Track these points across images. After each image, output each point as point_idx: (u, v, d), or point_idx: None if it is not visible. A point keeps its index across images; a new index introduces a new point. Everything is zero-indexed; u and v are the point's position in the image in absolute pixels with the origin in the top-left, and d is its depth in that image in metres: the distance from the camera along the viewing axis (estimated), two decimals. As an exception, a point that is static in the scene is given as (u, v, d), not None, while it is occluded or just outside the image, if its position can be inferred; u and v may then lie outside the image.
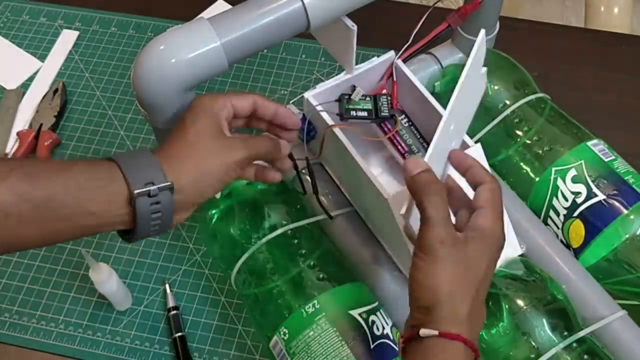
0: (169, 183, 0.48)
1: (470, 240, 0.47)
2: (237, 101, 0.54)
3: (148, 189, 0.47)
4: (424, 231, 0.46)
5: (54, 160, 0.48)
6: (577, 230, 0.66)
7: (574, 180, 0.66)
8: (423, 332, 0.45)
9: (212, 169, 0.50)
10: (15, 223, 0.45)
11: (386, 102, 0.64)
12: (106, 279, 0.68)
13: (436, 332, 0.44)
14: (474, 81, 0.57)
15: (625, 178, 0.66)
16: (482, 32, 0.55)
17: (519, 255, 0.64)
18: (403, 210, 0.49)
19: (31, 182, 0.45)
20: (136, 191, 0.47)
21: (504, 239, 0.48)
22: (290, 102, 0.82)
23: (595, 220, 0.65)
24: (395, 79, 0.66)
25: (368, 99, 0.64)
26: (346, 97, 0.64)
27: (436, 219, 0.46)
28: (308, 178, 0.66)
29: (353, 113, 0.63)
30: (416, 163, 0.48)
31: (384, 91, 0.66)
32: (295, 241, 0.65)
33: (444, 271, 0.45)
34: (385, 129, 0.65)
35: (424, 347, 0.45)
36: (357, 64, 0.64)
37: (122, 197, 0.47)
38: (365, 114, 0.63)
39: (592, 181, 0.66)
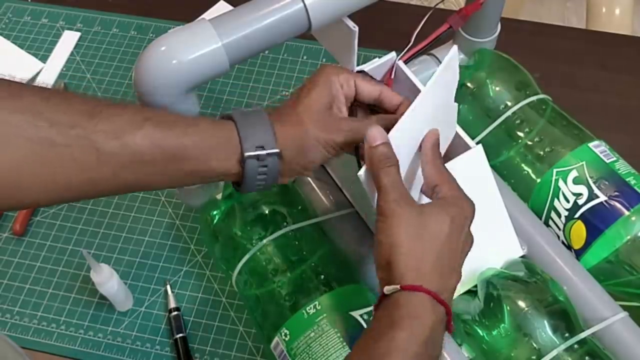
0: (277, 150, 0.51)
1: (427, 205, 0.49)
2: (364, 85, 0.56)
3: (258, 153, 0.51)
4: (379, 198, 0.49)
5: (181, 114, 0.52)
6: (579, 231, 0.66)
7: (576, 181, 0.66)
8: (387, 289, 0.47)
9: (313, 144, 0.53)
10: (146, 168, 0.48)
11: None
12: (107, 280, 0.68)
13: (398, 286, 0.46)
14: (444, 88, 0.57)
15: (627, 179, 0.66)
16: (454, 48, 0.56)
17: (520, 257, 0.64)
18: (365, 180, 0.52)
19: (164, 131, 0.49)
20: (247, 153, 0.50)
21: (470, 207, 0.50)
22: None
23: (597, 221, 0.64)
24: (392, 77, 0.66)
25: None
26: None
27: (389, 184, 0.48)
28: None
29: None
30: (378, 134, 0.50)
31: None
32: (297, 242, 0.65)
33: (398, 228, 0.47)
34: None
35: (390, 304, 0.46)
36: (358, 64, 0.64)
37: (236, 156, 0.51)
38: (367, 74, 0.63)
39: (594, 182, 0.66)
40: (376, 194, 0.50)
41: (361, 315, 0.59)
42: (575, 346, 0.57)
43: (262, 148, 0.51)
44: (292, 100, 0.55)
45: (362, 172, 0.52)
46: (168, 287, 0.73)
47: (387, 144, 0.50)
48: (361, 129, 0.54)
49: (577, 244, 0.66)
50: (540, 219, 0.68)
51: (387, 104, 0.57)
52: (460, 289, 0.62)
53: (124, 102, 0.51)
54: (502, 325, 0.58)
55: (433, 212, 0.48)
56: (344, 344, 0.57)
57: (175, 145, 0.49)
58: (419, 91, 0.64)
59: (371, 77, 0.60)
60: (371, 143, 0.50)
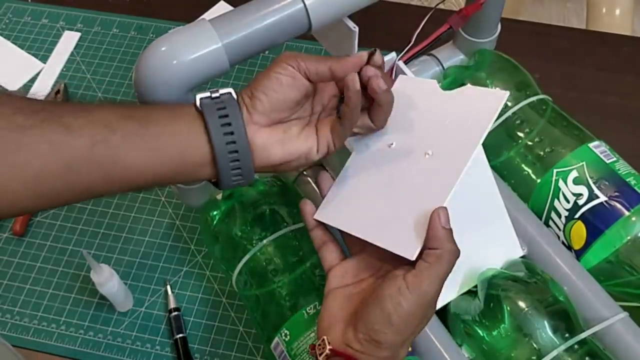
0: (229, 89, 0.50)
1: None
2: (314, 65, 0.51)
3: (208, 92, 0.49)
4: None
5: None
6: (579, 231, 0.66)
7: (576, 181, 0.66)
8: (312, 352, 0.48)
9: (280, 73, 0.50)
10: (120, 139, 0.46)
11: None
12: (107, 280, 0.68)
13: (327, 349, 0.47)
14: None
15: (627, 180, 0.66)
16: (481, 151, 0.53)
17: (521, 257, 0.64)
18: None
19: (130, 106, 0.49)
20: (199, 95, 0.49)
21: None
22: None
23: (597, 221, 0.64)
24: (392, 77, 0.65)
25: None
26: None
27: (435, 281, 0.47)
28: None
29: None
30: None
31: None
32: (297, 242, 0.65)
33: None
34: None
35: None
36: (358, 65, 0.64)
37: (198, 118, 0.49)
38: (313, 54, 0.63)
39: (594, 183, 0.66)
40: None
41: (361, 316, 0.59)
42: (576, 346, 0.57)
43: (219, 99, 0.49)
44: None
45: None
46: (168, 287, 0.73)
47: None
48: (341, 63, 0.50)
49: (577, 244, 0.66)
50: (541, 219, 0.68)
51: (341, 74, 0.51)
52: (461, 289, 0.62)
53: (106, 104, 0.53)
54: (502, 325, 0.58)
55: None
56: (344, 344, 0.57)
57: (143, 114, 0.48)
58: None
59: (315, 55, 0.55)
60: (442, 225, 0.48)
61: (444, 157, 0.50)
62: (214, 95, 0.49)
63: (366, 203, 0.52)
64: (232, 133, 0.48)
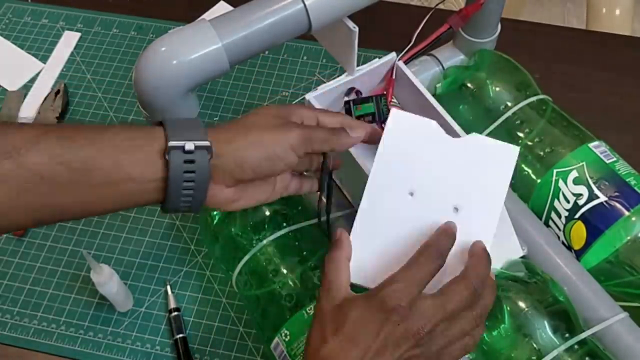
0: (206, 142, 0.45)
1: None
2: (325, 117, 0.53)
3: (183, 142, 0.45)
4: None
5: (90, 125, 0.47)
6: (579, 231, 0.66)
7: (576, 181, 0.66)
8: None
9: (259, 140, 0.47)
10: (50, 188, 0.43)
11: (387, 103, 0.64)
12: (107, 281, 0.68)
13: None
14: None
15: (627, 180, 0.66)
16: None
17: (521, 257, 0.64)
18: None
19: (65, 144, 0.43)
20: (170, 143, 0.44)
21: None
22: (292, 103, 0.83)
23: (597, 222, 0.64)
24: (393, 77, 0.66)
25: (371, 102, 0.64)
26: (351, 103, 0.64)
27: (415, 275, 0.46)
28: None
29: (362, 120, 0.62)
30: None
31: (384, 93, 0.66)
32: (297, 243, 0.65)
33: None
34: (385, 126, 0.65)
35: None
36: (358, 65, 0.64)
37: (159, 152, 0.45)
38: (370, 118, 0.64)
39: (594, 183, 0.66)
40: None
41: (361, 316, 0.59)
42: (576, 347, 0.57)
43: (190, 140, 0.45)
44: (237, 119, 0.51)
45: None
46: (168, 287, 0.73)
47: (451, 241, 0.48)
48: (313, 128, 0.50)
49: (577, 244, 0.66)
50: (541, 219, 0.68)
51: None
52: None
53: (22, 122, 0.46)
54: (502, 325, 0.58)
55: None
56: (344, 344, 0.57)
57: (78, 157, 0.43)
58: (419, 92, 0.64)
59: (328, 110, 0.55)
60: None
61: (471, 213, 0.50)
62: (187, 147, 0.45)
63: (401, 259, 0.49)
64: (192, 162, 0.46)
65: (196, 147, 0.45)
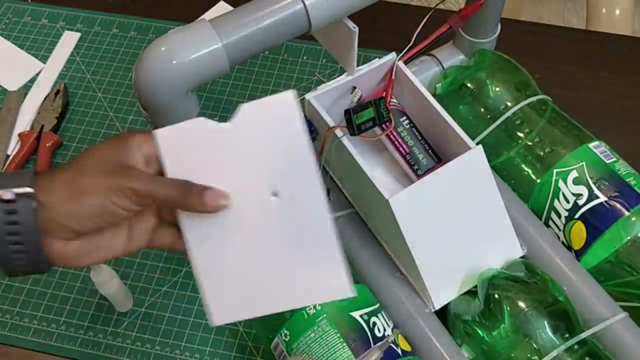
0: (28, 189, 0.41)
1: None
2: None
3: (1, 191, 0.40)
4: None
5: None
6: (579, 232, 0.66)
7: (576, 182, 0.66)
8: None
9: (93, 185, 0.42)
10: None
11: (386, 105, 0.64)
12: (107, 281, 0.68)
13: None
14: None
15: (627, 180, 0.66)
16: None
17: (520, 257, 0.64)
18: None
19: None
20: None
21: None
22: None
23: (597, 222, 0.64)
24: (393, 77, 0.65)
25: (370, 107, 0.64)
26: (350, 112, 0.64)
27: None
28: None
29: (363, 127, 0.62)
30: None
31: (384, 94, 0.66)
32: (297, 243, 0.64)
33: None
34: (384, 127, 0.65)
35: None
36: (358, 65, 0.64)
37: None
38: (371, 123, 0.63)
39: (594, 183, 0.66)
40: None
41: (361, 316, 0.59)
42: (576, 347, 0.57)
43: (9, 189, 0.40)
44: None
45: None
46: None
47: None
48: (160, 190, 0.44)
49: (577, 244, 0.66)
50: (540, 219, 0.68)
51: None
52: (461, 289, 0.62)
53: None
54: (502, 325, 0.58)
55: None
56: (344, 344, 0.57)
57: None
58: (419, 92, 0.64)
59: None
60: None
61: (292, 188, 0.45)
62: (5, 197, 0.40)
63: (255, 273, 0.46)
64: (14, 213, 0.41)
65: (17, 195, 0.40)
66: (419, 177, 0.64)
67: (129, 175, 0.43)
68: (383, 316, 0.61)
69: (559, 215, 0.67)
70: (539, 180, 0.69)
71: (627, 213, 0.64)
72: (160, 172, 0.46)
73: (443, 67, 0.79)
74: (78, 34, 0.95)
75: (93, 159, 0.44)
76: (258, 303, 0.48)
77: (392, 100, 0.66)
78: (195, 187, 0.45)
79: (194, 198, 0.44)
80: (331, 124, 0.62)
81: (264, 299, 0.47)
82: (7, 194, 0.40)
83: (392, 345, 0.58)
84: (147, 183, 0.43)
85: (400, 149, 0.65)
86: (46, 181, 0.42)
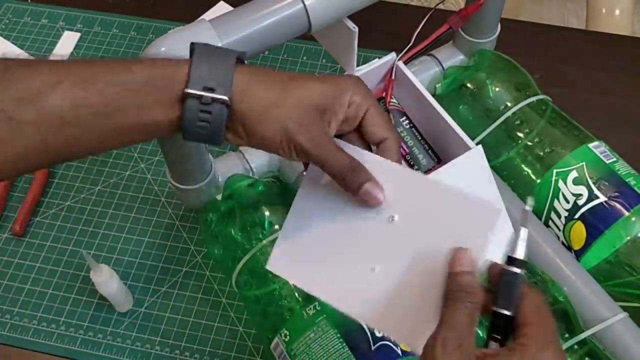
0: (225, 97, 0.43)
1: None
2: (373, 122, 0.48)
3: (201, 93, 0.43)
4: (434, 333, 0.39)
5: (118, 59, 0.45)
6: (579, 232, 0.66)
7: (575, 182, 0.66)
8: None
9: (274, 122, 0.45)
10: (72, 131, 0.43)
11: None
12: (107, 280, 0.68)
13: None
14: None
15: (627, 180, 0.66)
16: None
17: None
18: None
19: (87, 87, 0.42)
20: (187, 90, 0.43)
21: None
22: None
23: (597, 222, 0.64)
24: (392, 77, 0.66)
25: None
26: None
27: (449, 321, 0.39)
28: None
29: None
30: (464, 259, 0.42)
31: (384, 94, 0.66)
32: (296, 243, 0.65)
33: None
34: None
35: None
36: (358, 65, 0.64)
37: (177, 99, 0.44)
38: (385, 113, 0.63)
39: (594, 183, 0.66)
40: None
41: (361, 316, 0.59)
42: (576, 347, 0.57)
43: (212, 90, 0.43)
44: (286, 73, 0.47)
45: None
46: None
47: (471, 273, 0.42)
48: (337, 155, 0.46)
49: (577, 244, 0.66)
50: (540, 219, 0.68)
51: (382, 153, 0.49)
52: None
53: (43, 60, 0.45)
54: (502, 325, 0.58)
55: None
56: (344, 344, 0.57)
57: (100, 101, 0.42)
58: (419, 92, 0.64)
59: (386, 116, 0.50)
60: (453, 268, 0.42)
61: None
62: (204, 99, 0.44)
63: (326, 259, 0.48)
64: (208, 112, 0.44)
65: (213, 100, 0.44)
66: (419, 177, 0.64)
67: (310, 133, 0.45)
68: (383, 316, 0.60)
69: (559, 216, 0.67)
70: (538, 181, 0.69)
71: (627, 213, 0.64)
72: (357, 119, 0.48)
73: (443, 67, 0.79)
74: (78, 34, 0.95)
75: (297, 97, 0.45)
76: (315, 281, 0.49)
77: (392, 100, 0.66)
78: (362, 173, 0.47)
79: (356, 181, 0.46)
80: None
81: (325, 283, 0.48)
82: (206, 97, 0.43)
83: (392, 345, 0.58)
84: (320, 149, 0.45)
85: (401, 149, 0.65)
86: (244, 92, 0.44)
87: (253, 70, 0.46)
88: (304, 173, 0.50)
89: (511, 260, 0.42)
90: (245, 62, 0.47)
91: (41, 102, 0.42)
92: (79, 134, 0.43)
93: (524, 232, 0.42)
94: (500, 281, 0.42)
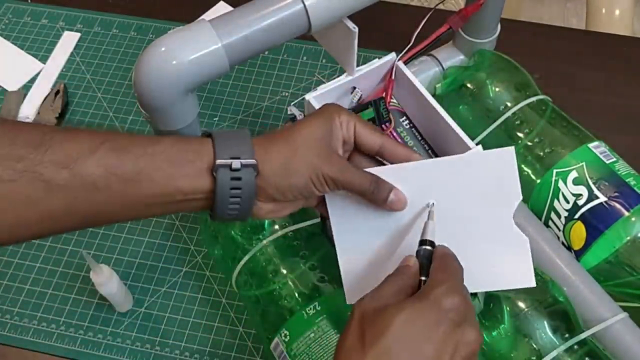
0: (252, 160, 0.47)
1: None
2: (364, 133, 0.51)
3: (230, 161, 0.46)
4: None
5: (144, 136, 0.48)
6: (579, 232, 0.66)
7: (575, 182, 0.66)
8: None
9: (300, 167, 0.49)
10: (103, 197, 0.45)
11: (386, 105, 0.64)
12: (107, 281, 0.68)
13: None
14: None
15: (627, 180, 0.66)
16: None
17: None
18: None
19: (120, 156, 0.45)
20: (218, 161, 0.46)
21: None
22: (292, 104, 0.83)
23: (597, 222, 0.64)
24: (392, 77, 0.65)
25: (370, 107, 0.64)
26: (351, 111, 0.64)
27: (378, 288, 0.45)
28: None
29: None
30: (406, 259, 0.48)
31: (384, 94, 0.66)
32: (296, 243, 0.65)
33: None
34: (384, 128, 0.65)
35: None
36: (358, 65, 0.64)
37: (207, 167, 0.47)
38: (371, 123, 0.63)
39: (593, 183, 0.66)
40: None
41: (361, 316, 0.59)
42: (575, 347, 0.57)
43: (238, 158, 0.47)
44: (287, 127, 0.51)
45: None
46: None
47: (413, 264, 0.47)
48: (356, 173, 0.50)
49: (577, 244, 0.66)
50: (540, 219, 0.68)
51: (388, 157, 0.53)
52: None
53: (79, 128, 0.47)
54: (502, 326, 0.58)
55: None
56: (344, 344, 0.57)
57: (132, 169, 0.45)
58: (419, 92, 0.64)
59: (373, 125, 0.54)
60: (402, 262, 0.47)
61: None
62: (234, 166, 0.47)
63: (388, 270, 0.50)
64: (239, 179, 0.47)
65: (242, 165, 0.47)
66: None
67: (332, 162, 0.49)
68: (383, 316, 0.60)
69: (559, 216, 0.67)
70: (538, 181, 0.69)
71: (627, 213, 0.64)
72: (351, 137, 0.51)
73: (443, 67, 0.79)
74: (78, 34, 0.95)
75: (304, 138, 0.49)
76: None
77: (392, 100, 0.66)
78: (384, 185, 0.51)
79: (382, 195, 0.51)
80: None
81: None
82: (235, 163, 0.47)
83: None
84: (345, 173, 0.49)
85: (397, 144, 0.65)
86: (264, 153, 0.48)
87: (261, 136, 0.50)
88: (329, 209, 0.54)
89: (423, 242, 0.48)
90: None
91: (78, 167, 0.44)
92: (107, 199, 0.45)
93: (432, 223, 0.49)
94: (419, 257, 0.48)
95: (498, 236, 0.51)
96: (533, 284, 0.52)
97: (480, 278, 0.52)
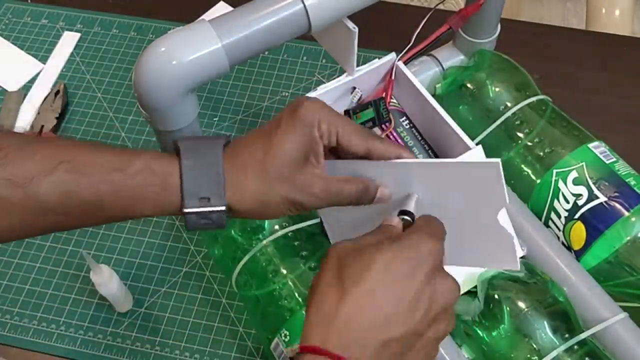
0: (222, 208, 0.46)
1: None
2: (348, 142, 0.48)
3: (200, 210, 0.45)
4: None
5: (111, 149, 0.46)
6: (578, 232, 0.66)
7: (575, 182, 0.66)
8: (286, 351, 0.48)
9: (276, 203, 0.47)
10: (58, 218, 0.44)
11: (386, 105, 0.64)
12: (107, 281, 0.68)
13: (296, 348, 0.42)
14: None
15: (627, 180, 0.66)
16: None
17: (520, 258, 0.64)
18: None
19: (79, 180, 0.43)
20: (186, 210, 0.45)
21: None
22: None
23: (597, 222, 0.64)
24: (392, 78, 0.65)
25: (370, 107, 0.64)
26: (350, 112, 0.64)
27: (359, 238, 0.43)
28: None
29: None
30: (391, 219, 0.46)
31: (384, 94, 0.66)
32: (297, 243, 0.65)
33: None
34: (384, 128, 0.65)
35: None
36: (358, 65, 0.64)
37: (175, 205, 0.45)
38: (371, 123, 0.63)
39: (593, 183, 0.66)
40: None
41: (361, 316, 0.59)
42: (575, 347, 0.57)
43: (207, 200, 0.45)
44: (260, 141, 0.47)
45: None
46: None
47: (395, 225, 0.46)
48: (342, 189, 0.48)
49: (577, 244, 0.66)
50: (540, 219, 0.68)
51: (377, 160, 0.50)
52: (460, 290, 0.62)
53: (42, 141, 0.46)
54: (502, 326, 0.58)
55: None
56: (344, 344, 0.57)
57: (92, 195, 0.43)
58: (418, 92, 0.64)
59: (359, 128, 0.50)
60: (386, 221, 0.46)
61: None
62: (203, 211, 0.45)
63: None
64: (209, 219, 0.47)
65: (212, 212, 0.46)
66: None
67: (311, 190, 0.47)
68: (383, 316, 0.60)
69: (559, 216, 0.67)
70: (538, 181, 0.69)
71: (626, 213, 0.64)
72: (333, 145, 0.48)
73: (443, 67, 0.79)
74: (78, 34, 0.95)
75: (279, 166, 0.46)
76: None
77: (392, 100, 0.66)
78: (370, 187, 0.49)
79: (369, 198, 0.49)
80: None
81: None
82: (204, 210, 0.45)
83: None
84: (329, 194, 0.47)
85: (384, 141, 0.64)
86: (236, 191, 0.46)
87: (237, 151, 0.47)
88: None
89: (403, 212, 0.47)
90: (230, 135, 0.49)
91: (32, 188, 0.42)
92: (64, 220, 0.45)
93: (415, 196, 0.49)
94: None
95: (483, 232, 0.50)
96: (517, 267, 0.51)
97: (465, 255, 0.51)
